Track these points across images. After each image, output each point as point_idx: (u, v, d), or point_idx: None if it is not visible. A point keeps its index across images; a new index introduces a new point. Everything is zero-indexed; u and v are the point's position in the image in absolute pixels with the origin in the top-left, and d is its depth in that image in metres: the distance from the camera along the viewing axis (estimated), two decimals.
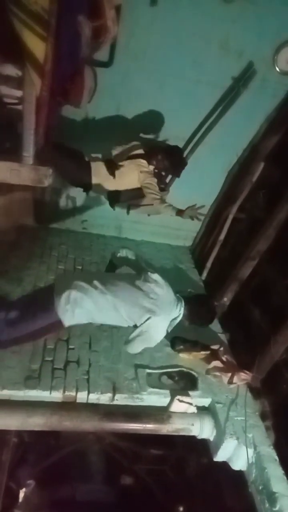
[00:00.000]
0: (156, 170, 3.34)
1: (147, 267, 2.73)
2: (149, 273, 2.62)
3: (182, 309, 2.63)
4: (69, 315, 2.38)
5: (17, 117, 2.41)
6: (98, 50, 3.17)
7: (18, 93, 2.30)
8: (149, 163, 3.30)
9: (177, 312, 2.61)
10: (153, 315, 2.44)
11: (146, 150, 3.37)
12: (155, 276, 2.62)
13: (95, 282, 2.44)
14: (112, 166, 3.24)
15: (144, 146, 3.43)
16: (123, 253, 2.89)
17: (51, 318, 2.38)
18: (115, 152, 3.44)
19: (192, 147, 3.85)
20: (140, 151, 3.36)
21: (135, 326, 2.52)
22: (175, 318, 2.61)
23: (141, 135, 3.78)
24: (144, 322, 2.46)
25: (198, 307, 2.75)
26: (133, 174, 3.25)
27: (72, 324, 2.49)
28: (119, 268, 2.98)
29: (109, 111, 3.69)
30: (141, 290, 2.51)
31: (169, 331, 2.64)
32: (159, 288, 2.57)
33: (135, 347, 2.63)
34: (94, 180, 3.25)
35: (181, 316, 2.62)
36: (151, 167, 3.32)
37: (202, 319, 2.83)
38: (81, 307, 2.38)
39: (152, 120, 3.76)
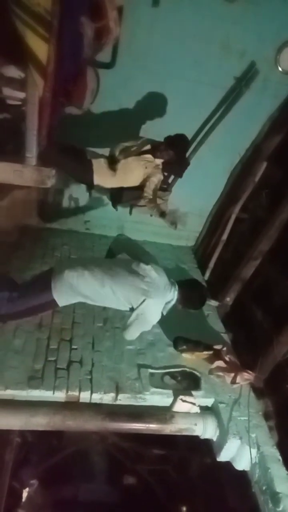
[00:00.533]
0: (162, 162, 3.23)
1: (144, 254, 2.98)
2: (143, 260, 2.81)
3: (176, 292, 2.76)
4: (62, 296, 2.62)
5: (20, 119, 2.43)
6: (100, 51, 3.17)
7: (21, 94, 2.31)
8: (154, 156, 3.21)
9: (172, 295, 2.74)
10: (148, 297, 2.59)
11: (152, 145, 3.28)
12: (150, 264, 2.79)
13: (92, 266, 2.64)
14: (114, 161, 3.18)
15: (150, 142, 3.33)
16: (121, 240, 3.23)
17: (47, 298, 2.62)
18: (119, 149, 3.30)
19: (195, 147, 3.85)
20: (147, 147, 3.27)
21: (131, 310, 2.66)
22: (169, 302, 2.74)
23: (144, 135, 3.78)
24: (140, 304, 2.61)
25: (191, 291, 2.88)
26: (137, 170, 3.20)
27: (65, 304, 2.73)
28: (118, 255, 3.20)
29: (111, 112, 3.70)
30: (136, 274, 2.68)
31: (164, 314, 2.76)
32: (153, 271, 2.73)
33: (133, 332, 2.79)
34: (96, 178, 3.21)
35: (175, 299, 2.75)
36: (158, 161, 3.22)
37: (195, 303, 2.95)
38: (75, 289, 2.59)
39: (154, 120, 3.77)
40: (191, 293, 2.86)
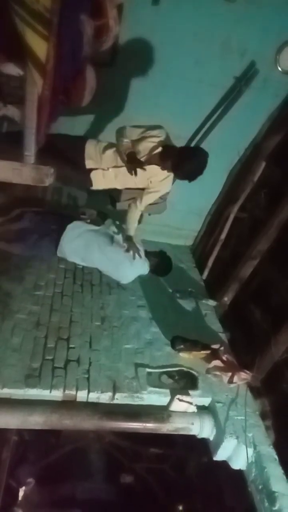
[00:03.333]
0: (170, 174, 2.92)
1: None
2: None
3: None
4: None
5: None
6: (100, 50, 3.16)
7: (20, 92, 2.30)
8: (163, 166, 2.87)
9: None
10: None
11: (163, 150, 2.87)
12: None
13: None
14: (134, 164, 2.77)
15: (162, 142, 2.89)
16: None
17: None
18: (125, 143, 2.84)
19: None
20: (157, 151, 2.87)
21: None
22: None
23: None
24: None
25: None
26: (140, 182, 2.98)
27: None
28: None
29: (110, 110, 3.69)
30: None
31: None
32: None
33: (129, 273, 3.24)
34: (96, 186, 3.13)
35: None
36: (166, 173, 2.91)
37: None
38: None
39: (154, 119, 3.75)
40: None
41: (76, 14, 2.18)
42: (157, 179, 2.95)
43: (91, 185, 3.10)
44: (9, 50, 2.14)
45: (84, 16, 2.24)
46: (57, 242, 3.08)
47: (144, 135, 2.91)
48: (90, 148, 3.01)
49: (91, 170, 3.03)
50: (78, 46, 2.34)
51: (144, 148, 2.88)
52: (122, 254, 3.15)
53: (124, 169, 2.93)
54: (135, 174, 2.80)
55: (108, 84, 3.40)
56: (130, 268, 3.20)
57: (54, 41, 1.92)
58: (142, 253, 3.31)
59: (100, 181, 3.08)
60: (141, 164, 2.79)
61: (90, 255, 3.12)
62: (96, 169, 3.03)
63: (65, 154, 2.91)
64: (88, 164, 3.01)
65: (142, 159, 2.85)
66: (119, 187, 3.17)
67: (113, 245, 3.18)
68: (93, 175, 3.04)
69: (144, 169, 2.82)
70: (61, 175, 2.86)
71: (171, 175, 2.94)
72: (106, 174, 3.04)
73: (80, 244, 3.09)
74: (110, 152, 2.97)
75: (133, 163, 2.78)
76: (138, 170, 2.79)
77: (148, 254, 3.38)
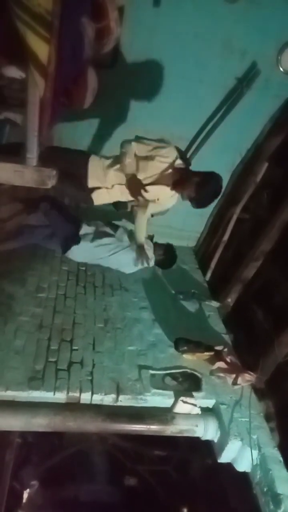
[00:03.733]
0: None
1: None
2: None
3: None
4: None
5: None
6: (101, 51, 3.17)
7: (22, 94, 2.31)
8: (175, 190, 2.83)
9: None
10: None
11: (177, 176, 2.78)
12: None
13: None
14: (137, 191, 2.73)
15: (172, 164, 2.76)
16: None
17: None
18: (128, 163, 2.73)
19: (196, 147, 3.85)
20: (167, 173, 2.75)
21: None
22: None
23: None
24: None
25: None
26: (149, 197, 2.89)
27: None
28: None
29: (111, 112, 3.70)
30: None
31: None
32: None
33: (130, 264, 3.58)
34: (99, 202, 3.06)
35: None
36: (176, 195, 2.88)
37: None
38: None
39: (156, 121, 3.76)
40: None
41: (77, 16, 2.19)
42: (165, 197, 2.92)
43: (93, 203, 3.01)
44: (10, 52, 2.15)
45: (85, 18, 2.25)
46: (63, 245, 3.49)
47: (153, 153, 2.75)
48: (94, 166, 2.89)
49: (94, 188, 2.94)
50: (79, 48, 2.35)
51: (153, 168, 2.76)
52: (131, 256, 3.54)
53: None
54: (139, 197, 2.77)
55: (109, 85, 3.41)
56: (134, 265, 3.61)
57: (55, 44, 1.92)
58: (152, 262, 3.61)
59: (105, 197, 3.01)
60: (145, 190, 2.73)
61: (98, 257, 3.62)
62: (100, 187, 2.93)
63: (66, 171, 2.69)
64: (92, 183, 2.92)
65: (150, 179, 2.76)
66: (124, 200, 3.08)
67: (120, 248, 3.59)
68: (97, 194, 2.96)
69: (148, 191, 2.76)
70: (61, 192, 2.90)
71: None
72: (111, 191, 2.96)
73: (89, 250, 3.52)
74: (114, 170, 2.85)
75: (136, 190, 2.73)
76: (143, 191, 2.73)
77: (155, 246, 3.67)
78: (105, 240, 3.59)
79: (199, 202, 2.74)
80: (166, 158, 2.77)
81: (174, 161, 2.78)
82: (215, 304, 3.95)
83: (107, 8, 2.43)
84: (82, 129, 3.75)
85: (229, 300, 3.94)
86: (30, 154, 2.21)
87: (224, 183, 4.34)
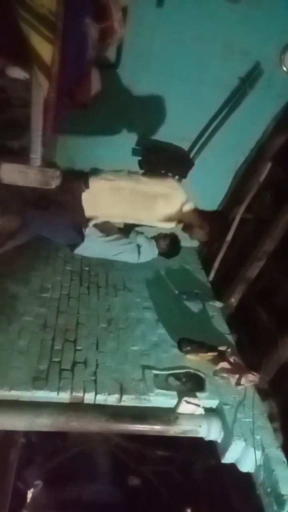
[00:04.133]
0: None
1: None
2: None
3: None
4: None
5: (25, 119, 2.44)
6: (104, 52, 3.17)
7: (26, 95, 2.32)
8: (190, 232, 3.03)
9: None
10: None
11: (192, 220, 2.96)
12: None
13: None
14: None
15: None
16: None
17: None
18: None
19: (199, 148, 3.84)
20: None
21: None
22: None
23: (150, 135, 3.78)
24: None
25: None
26: None
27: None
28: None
29: (115, 112, 3.70)
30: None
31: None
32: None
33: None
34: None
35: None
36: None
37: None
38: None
39: (158, 121, 3.77)
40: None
41: (81, 17, 2.20)
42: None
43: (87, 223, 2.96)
44: (14, 53, 2.16)
45: (88, 19, 2.26)
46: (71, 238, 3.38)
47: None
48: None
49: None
50: (83, 49, 2.36)
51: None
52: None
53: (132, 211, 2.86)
54: None
55: (112, 86, 3.42)
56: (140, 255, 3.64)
57: (59, 44, 1.93)
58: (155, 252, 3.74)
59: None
60: None
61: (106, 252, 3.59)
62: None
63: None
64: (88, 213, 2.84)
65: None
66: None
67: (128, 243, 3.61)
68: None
69: None
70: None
71: None
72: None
73: (98, 244, 3.47)
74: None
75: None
76: None
77: (159, 236, 3.75)
78: (115, 236, 3.56)
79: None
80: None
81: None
82: (218, 304, 3.95)
83: (111, 9, 2.44)
84: (85, 130, 3.75)
85: (233, 300, 3.93)
86: (34, 154, 2.23)
87: (228, 183, 4.36)
